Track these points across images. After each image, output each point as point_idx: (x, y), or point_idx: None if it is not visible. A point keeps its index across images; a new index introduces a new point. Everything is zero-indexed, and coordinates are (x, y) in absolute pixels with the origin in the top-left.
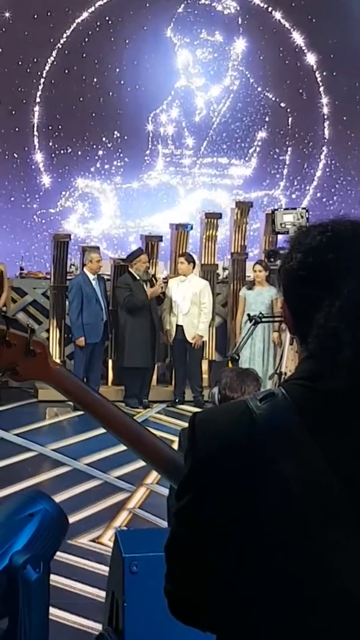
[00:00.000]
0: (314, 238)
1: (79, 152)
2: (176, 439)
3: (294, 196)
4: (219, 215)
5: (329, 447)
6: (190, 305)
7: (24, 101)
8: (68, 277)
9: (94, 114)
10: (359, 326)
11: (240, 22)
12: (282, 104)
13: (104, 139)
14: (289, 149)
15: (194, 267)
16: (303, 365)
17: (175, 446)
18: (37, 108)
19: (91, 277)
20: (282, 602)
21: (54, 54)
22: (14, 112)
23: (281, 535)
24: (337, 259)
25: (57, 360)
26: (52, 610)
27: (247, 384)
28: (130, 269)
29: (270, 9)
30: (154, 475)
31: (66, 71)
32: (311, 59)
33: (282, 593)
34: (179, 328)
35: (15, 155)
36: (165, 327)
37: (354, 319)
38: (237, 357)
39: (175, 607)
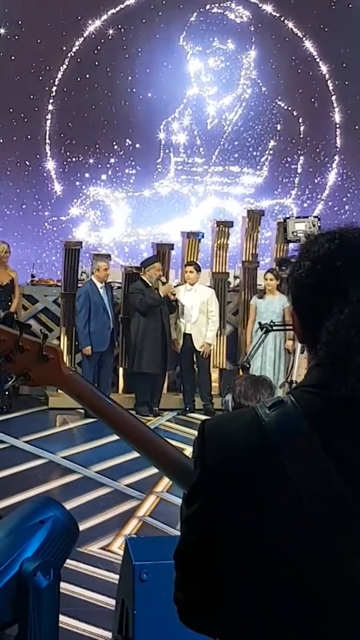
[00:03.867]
0: (322, 246)
1: (91, 160)
2: (186, 446)
3: (305, 205)
4: (230, 224)
5: (339, 454)
6: (198, 314)
7: (36, 109)
8: (79, 285)
9: (105, 122)
10: None
11: (252, 31)
12: (294, 113)
13: (115, 146)
14: (301, 157)
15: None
16: (312, 373)
17: (188, 454)
18: (49, 116)
19: (99, 285)
20: (294, 608)
21: (66, 62)
22: (26, 120)
23: (292, 542)
24: (345, 266)
25: (72, 369)
26: (61, 617)
27: (262, 392)
28: (142, 276)
29: (282, 18)
30: (164, 483)
31: (78, 79)
32: (323, 67)
33: (295, 599)
34: (187, 337)
35: (27, 162)
36: (173, 336)
37: None
38: (247, 366)
39: (185, 615)
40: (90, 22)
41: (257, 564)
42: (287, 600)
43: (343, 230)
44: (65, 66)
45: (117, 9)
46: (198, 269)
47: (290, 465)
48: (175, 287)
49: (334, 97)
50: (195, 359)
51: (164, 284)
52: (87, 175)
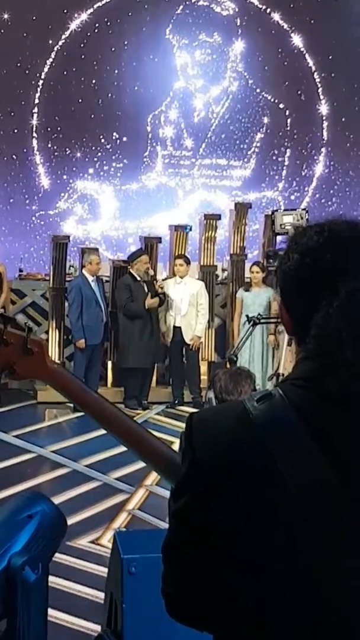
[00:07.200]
0: (310, 238)
1: (78, 154)
2: (176, 440)
3: (292, 197)
4: (218, 217)
5: (328, 448)
6: (188, 307)
7: (23, 103)
8: (67, 279)
9: (92, 116)
10: (358, 326)
11: (239, 24)
12: (281, 105)
13: (102, 140)
14: (288, 150)
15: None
16: (301, 366)
17: (175, 448)
18: (36, 110)
19: (90, 278)
20: (289, 603)
21: (52, 55)
22: (12, 114)
23: (283, 535)
24: (334, 258)
25: (57, 362)
26: (50, 611)
27: (242, 385)
28: (130, 270)
29: (269, 10)
30: (153, 477)
31: (65, 73)
32: (310, 60)
33: (289, 593)
34: (177, 329)
35: (14, 157)
36: (162, 329)
37: (353, 319)
38: (235, 359)
39: (173, 608)
40: (76, 15)
41: (248, 557)
42: (286, 595)
43: (332, 223)
44: (51, 60)
45: (103, 2)
46: (188, 262)
47: (279, 458)
48: (163, 280)
49: (320, 90)
50: (184, 352)
51: (152, 277)
52: (74, 169)
